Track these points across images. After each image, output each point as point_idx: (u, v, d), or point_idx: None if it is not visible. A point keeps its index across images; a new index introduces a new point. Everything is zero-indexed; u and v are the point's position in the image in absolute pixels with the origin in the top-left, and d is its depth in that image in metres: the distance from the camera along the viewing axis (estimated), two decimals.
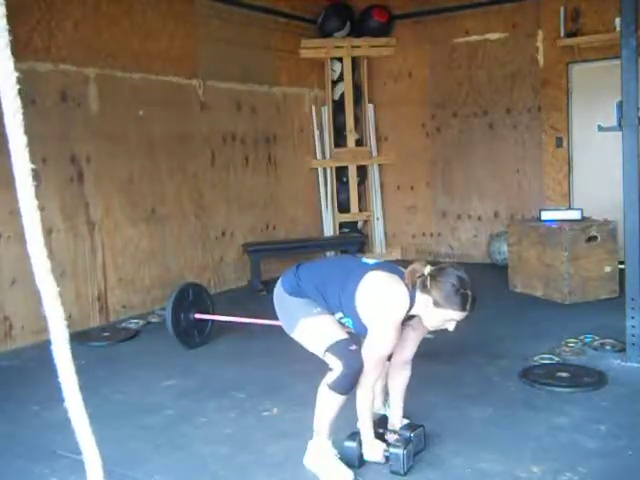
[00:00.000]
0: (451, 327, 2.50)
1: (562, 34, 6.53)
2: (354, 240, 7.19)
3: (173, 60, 5.82)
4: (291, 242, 6.93)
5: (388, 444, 2.64)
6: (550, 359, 3.93)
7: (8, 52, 0.87)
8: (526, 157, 7.00)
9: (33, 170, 0.89)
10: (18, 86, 0.88)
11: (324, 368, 2.58)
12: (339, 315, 2.62)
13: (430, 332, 2.72)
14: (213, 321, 4.62)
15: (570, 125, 6.74)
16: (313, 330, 2.60)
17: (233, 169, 6.47)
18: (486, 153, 7.21)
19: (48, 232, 4.78)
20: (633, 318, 3.77)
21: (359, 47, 7.49)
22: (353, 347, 2.51)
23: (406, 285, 2.50)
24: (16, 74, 0.88)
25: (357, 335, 2.65)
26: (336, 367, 2.50)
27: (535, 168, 6.95)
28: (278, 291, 2.73)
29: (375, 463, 2.65)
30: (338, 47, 7.41)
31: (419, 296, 2.48)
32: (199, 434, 3.08)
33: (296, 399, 3.39)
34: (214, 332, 4.64)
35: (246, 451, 2.88)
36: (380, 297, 2.50)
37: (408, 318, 2.57)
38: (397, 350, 2.68)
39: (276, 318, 2.79)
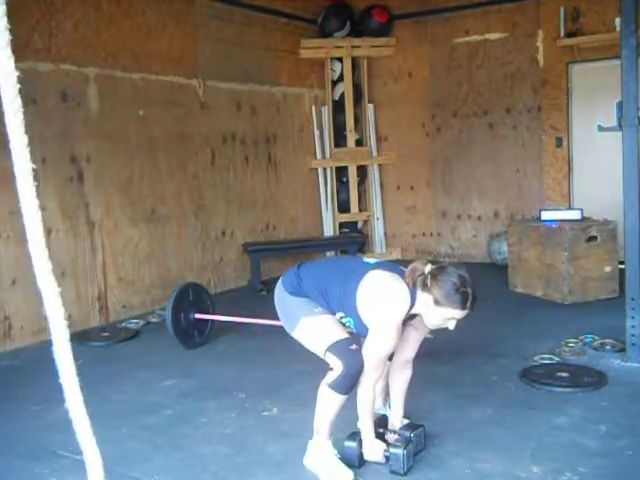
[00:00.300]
0: (452, 326, 2.50)
1: (562, 34, 6.53)
2: (354, 240, 7.19)
3: (173, 60, 5.82)
4: (291, 242, 6.94)
5: (388, 444, 2.64)
6: (550, 359, 3.93)
7: (9, 51, 0.87)
8: (526, 157, 7.00)
9: (33, 170, 0.89)
10: (19, 86, 0.88)
11: (324, 368, 2.58)
12: (340, 315, 2.62)
13: (431, 331, 2.72)
14: (213, 321, 4.62)
15: (570, 125, 6.74)
16: (314, 329, 2.61)
17: (233, 169, 6.47)
18: (486, 153, 7.21)
19: (48, 232, 4.78)
20: (633, 318, 3.77)
21: (359, 47, 7.49)
22: (354, 347, 2.51)
23: (407, 284, 2.50)
24: (16, 73, 0.88)
25: (358, 335, 2.65)
26: (336, 367, 2.50)
27: (535, 168, 6.95)
28: (279, 291, 2.73)
29: (375, 463, 2.65)
30: (338, 47, 7.41)
31: (420, 295, 2.48)
32: (199, 434, 3.08)
33: (296, 399, 3.39)
34: (214, 332, 4.64)
35: (246, 451, 2.88)
36: (381, 296, 2.50)
37: (409, 317, 2.57)
38: (398, 350, 2.68)
39: (276, 318, 2.79)
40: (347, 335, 2.57)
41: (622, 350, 3.94)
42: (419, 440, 2.74)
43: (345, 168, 7.58)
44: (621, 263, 4.81)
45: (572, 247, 5.30)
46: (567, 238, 5.31)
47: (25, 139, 0.88)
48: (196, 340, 4.50)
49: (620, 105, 3.72)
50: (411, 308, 2.50)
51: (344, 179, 7.60)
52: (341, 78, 7.52)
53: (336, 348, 2.51)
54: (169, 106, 5.78)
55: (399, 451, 2.57)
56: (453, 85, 7.33)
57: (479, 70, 7.16)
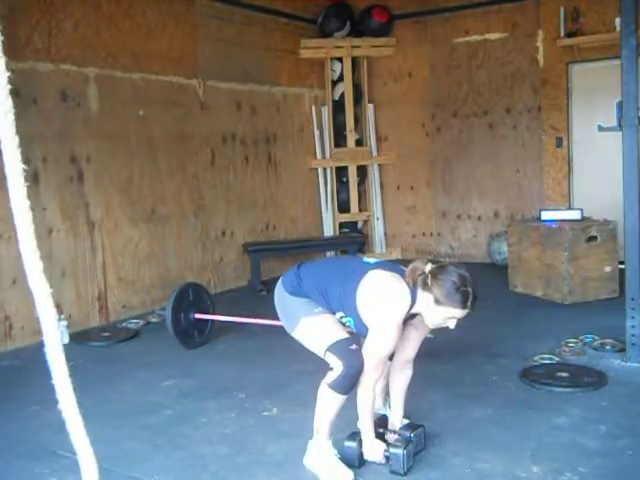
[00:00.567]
0: (452, 325, 2.50)
1: (562, 34, 6.53)
2: (354, 240, 7.19)
3: (173, 60, 5.82)
4: (291, 242, 6.94)
5: (388, 444, 2.64)
6: (550, 359, 3.93)
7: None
8: (526, 157, 7.01)
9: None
10: (9, 86, 0.88)
11: (324, 368, 2.58)
12: (340, 314, 2.62)
13: (431, 331, 2.72)
14: (213, 321, 4.62)
15: (570, 125, 6.74)
16: (314, 329, 2.61)
17: (233, 169, 6.48)
18: (486, 153, 7.21)
19: (48, 232, 4.78)
20: (633, 318, 3.77)
21: (359, 47, 7.49)
22: (354, 347, 2.51)
23: (407, 283, 2.50)
24: (7, 74, 0.87)
25: (358, 335, 2.65)
26: (336, 367, 2.50)
27: (535, 168, 6.95)
28: (279, 291, 2.73)
29: (375, 463, 2.65)
30: (338, 47, 7.41)
31: (420, 294, 2.48)
32: (199, 434, 3.08)
33: (296, 399, 3.39)
34: (214, 332, 4.64)
35: (246, 451, 2.88)
36: (381, 296, 2.50)
37: (410, 317, 2.57)
38: (399, 349, 2.68)
39: (276, 318, 2.79)
40: (347, 335, 2.57)
41: (622, 350, 3.93)
42: (419, 440, 2.74)
43: (345, 168, 7.58)
44: (621, 263, 4.81)
45: (572, 247, 5.30)
46: (567, 238, 5.31)
47: (16, 140, 0.88)
48: (196, 340, 4.50)
49: (620, 105, 3.72)
50: (411, 307, 2.50)
51: (344, 179, 7.60)
52: (341, 78, 7.52)
53: (336, 348, 2.51)
54: (169, 106, 5.78)
55: (399, 451, 2.57)
56: (453, 85, 7.33)
57: (479, 70, 7.16)
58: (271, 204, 6.96)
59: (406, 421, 2.86)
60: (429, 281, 2.45)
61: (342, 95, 7.54)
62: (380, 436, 2.69)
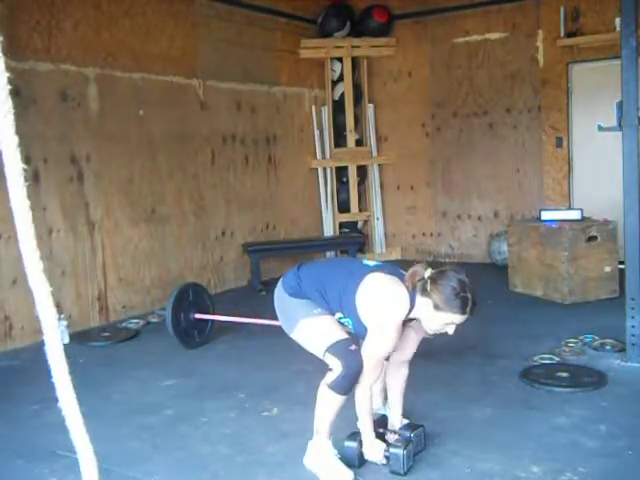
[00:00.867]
0: (451, 331, 2.49)
1: (562, 34, 6.53)
2: (354, 240, 7.19)
3: (173, 60, 5.82)
4: (291, 242, 6.94)
5: (388, 444, 2.64)
6: (550, 359, 3.93)
7: None
8: (526, 157, 7.01)
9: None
10: (9, 86, 0.88)
11: (324, 368, 2.58)
12: (339, 315, 2.62)
13: (429, 336, 2.72)
14: (213, 321, 4.62)
15: (570, 125, 6.74)
16: (313, 330, 2.60)
17: (233, 169, 6.48)
18: (486, 153, 7.21)
19: (48, 232, 4.78)
20: (633, 318, 3.77)
21: (359, 47, 7.49)
22: (353, 347, 2.51)
23: (406, 287, 2.50)
24: (7, 74, 0.87)
25: (357, 336, 2.65)
26: (336, 367, 2.50)
27: (535, 168, 6.95)
28: (278, 292, 2.73)
29: (375, 463, 2.65)
30: (338, 47, 7.41)
31: (419, 299, 2.47)
32: (199, 434, 3.08)
33: (296, 399, 3.39)
34: (214, 332, 4.64)
35: (246, 451, 2.88)
36: (380, 298, 2.50)
37: (408, 320, 2.57)
38: (397, 350, 2.68)
39: (276, 318, 2.79)
40: (346, 336, 2.57)
41: (622, 350, 3.93)
42: (419, 440, 2.74)
43: (345, 168, 7.58)
44: (621, 263, 4.81)
45: (572, 247, 5.30)
46: (567, 238, 5.31)
47: (16, 140, 0.88)
48: (196, 340, 4.50)
49: (620, 105, 3.72)
50: (410, 311, 2.50)
51: (344, 179, 7.61)
52: (341, 78, 7.53)
53: (335, 349, 2.51)
54: (169, 106, 5.78)
55: (399, 451, 2.57)
56: (453, 85, 7.33)
57: (479, 70, 7.16)
58: (271, 204, 6.96)
59: (406, 421, 2.86)
60: (428, 286, 2.44)
61: (342, 95, 7.54)
62: (380, 436, 2.69)
